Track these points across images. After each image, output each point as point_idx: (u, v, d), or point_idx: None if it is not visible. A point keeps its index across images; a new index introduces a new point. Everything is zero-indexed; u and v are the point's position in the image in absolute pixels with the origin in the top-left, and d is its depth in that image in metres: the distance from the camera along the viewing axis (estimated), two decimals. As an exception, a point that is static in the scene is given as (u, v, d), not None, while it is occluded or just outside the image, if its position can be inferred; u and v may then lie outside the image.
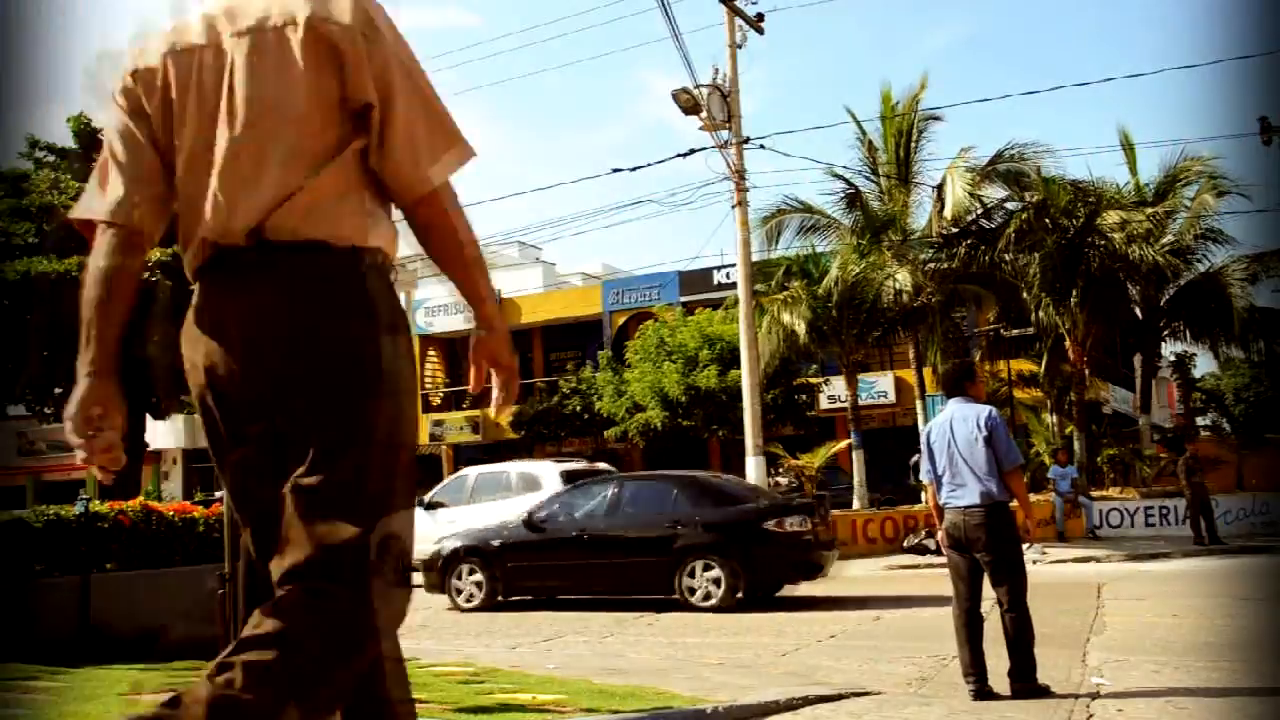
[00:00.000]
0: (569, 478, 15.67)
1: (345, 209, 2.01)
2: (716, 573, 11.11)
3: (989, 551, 6.01)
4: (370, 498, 1.91)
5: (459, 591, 12.28)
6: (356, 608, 1.86)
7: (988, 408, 6.27)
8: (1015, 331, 22.73)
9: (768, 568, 11.30)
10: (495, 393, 2.15)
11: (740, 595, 11.09)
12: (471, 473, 17.86)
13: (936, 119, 21.76)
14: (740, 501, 11.96)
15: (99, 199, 2.04)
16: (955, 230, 21.90)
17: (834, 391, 26.27)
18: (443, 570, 12.41)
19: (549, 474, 16.28)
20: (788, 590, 11.86)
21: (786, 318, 20.55)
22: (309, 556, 1.85)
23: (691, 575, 11.19)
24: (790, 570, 11.52)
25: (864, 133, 22.13)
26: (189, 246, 2.04)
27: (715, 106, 17.69)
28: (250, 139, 1.95)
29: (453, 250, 2.14)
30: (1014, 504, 6.15)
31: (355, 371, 1.94)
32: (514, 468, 17.35)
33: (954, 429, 6.19)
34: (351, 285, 2.01)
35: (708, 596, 11.08)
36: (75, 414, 1.95)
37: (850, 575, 14.92)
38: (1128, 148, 23.21)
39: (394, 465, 1.96)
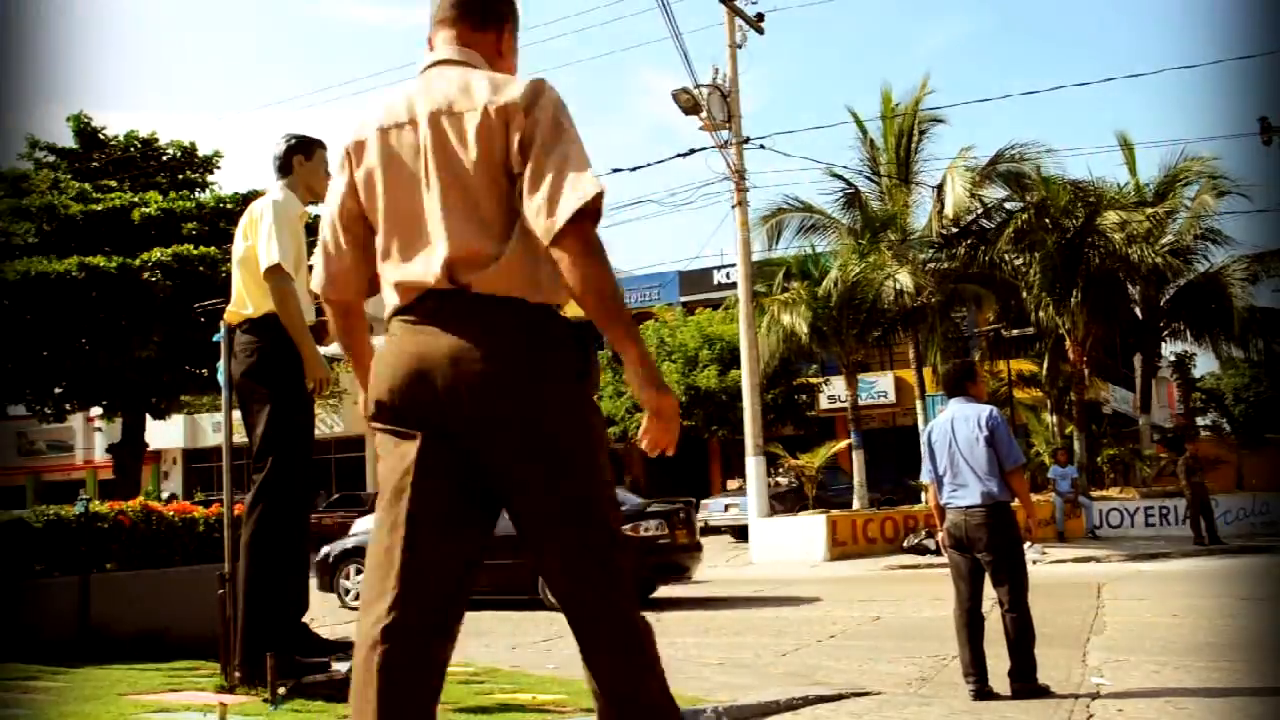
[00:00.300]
0: None
1: (542, 273, 2.24)
2: None
3: (990, 551, 6.01)
4: (608, 510, 2.31)
5: (346, 591, 12.57)
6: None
7: (989, 407, 6.26)
8: (1015, 331, 22.73)
9: None
10: (642, 432, 2.32)
11: None
12: None
13: (939, 120, 21.77)
14: None
15: (317, 275, 2.48)
16: (955, 230, 21.91)
17: (834, 391, 26.28)
18: (331, 570, 12.82)
19: None
20: (788, 591, 11.87)
21: (787, 318, 20.55)
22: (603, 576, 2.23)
23: None
24: (645, 572, 12.12)
25: (865, 133, 22.14)
26: (389, 291, 2.34)
27: (715, 106, 17.70)
28: (447, 203, 2.24)
29: (578, 295, 2.21)
30: (1015, 504, 6.15)
31: (584, 409, 2.26)
32: None
33: (955, 429, 6.19)
34: (555, 332, 2.28)
35: None
36: (366, 414, 2.36)
37: (850, 575, 14.92)
38: (1127, 148, 23.22)
39: (609, 479, 2.33)
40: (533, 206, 2.16)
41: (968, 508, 6.07)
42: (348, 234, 2.43)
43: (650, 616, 2.48)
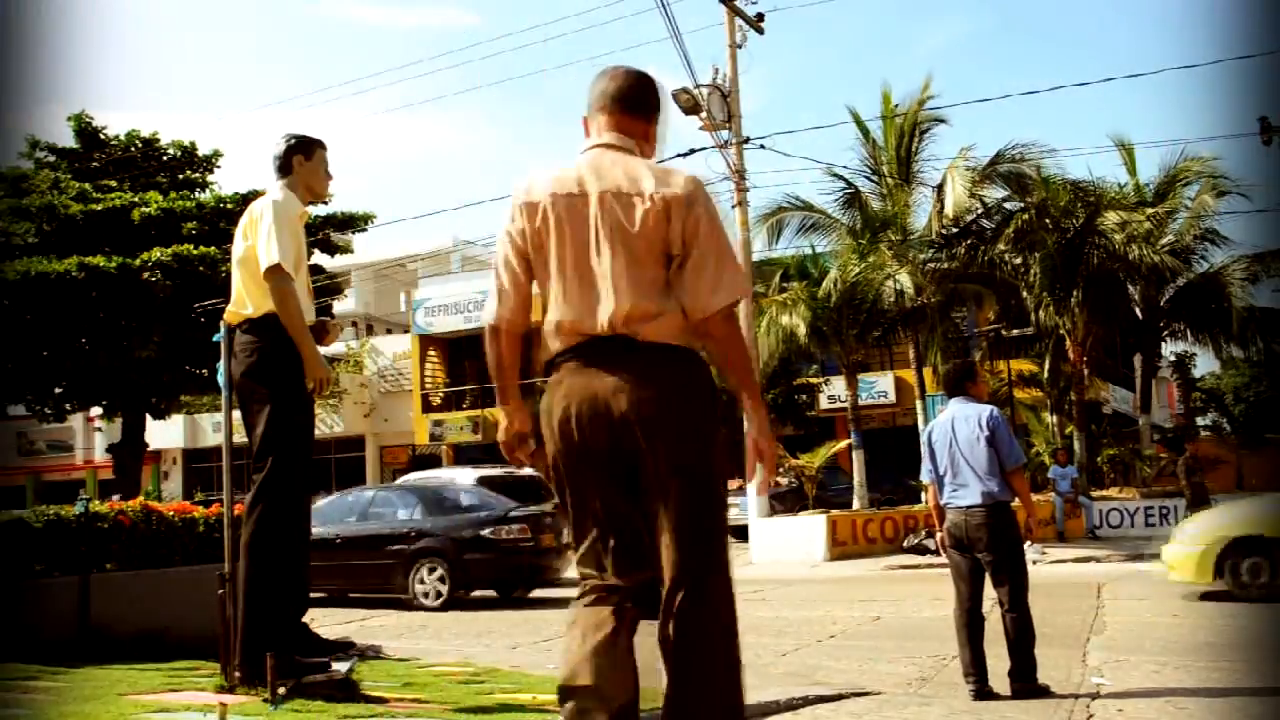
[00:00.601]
0: (484, 484, 16.54)
1: (681, 322, 2.80)
2: (440, 574, 12.51)
3: (990, 551, 6.01)
4: (720, 504, 2.84)
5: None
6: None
7: (989, 407, 6.26)
8: (1015, 331, 22.73)
9: (482, 570, 12.65)
10: (757, 474, 3.04)
11: (460, 594, 12.58)
12: (411, 478, 18.83)
13: (941, 120, 21.76)
14: (468, 511, 13.19)
15: (492, 308, 2.97)
16: (955, 230, 21.91)
17: (834, 391, 26.28)
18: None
19: (467, 480, 17.11)
20: (788, 591, 11.87)
21: (785, 319, 20.54)
22: (692, 552, 2.76)
23: (421, 579, 12.56)
24: (507, 573, 12.89)
25: (866, 133, 22.13)
26: (557, 334, 2.86)
27: (715, 106, 17.70)
28: (615, 268, 2.77)
29: (719, 360, 2.88)
30: (1016, 504, 6.14)
31: (704, 421, 2.80)
32: (441, 474, 18.73)
33: (955, 429, 6.19)
34: (691, 370, 2.84)
35: (436, 595, 12.46)
36: (507, 437, 2.99)
37: (850, 575, 14.92)
38: (1125, 149, 23.22)
39: (723, 481, 2.87)
40: (693, 289, 2.77)
41: (968, 507, 6.06)
42: (520, 278, 2.92)
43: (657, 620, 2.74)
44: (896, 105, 22.07)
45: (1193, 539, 10.77)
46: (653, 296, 2.77)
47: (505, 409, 2.99)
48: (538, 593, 13.56)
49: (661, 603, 2.85)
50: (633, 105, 3.04)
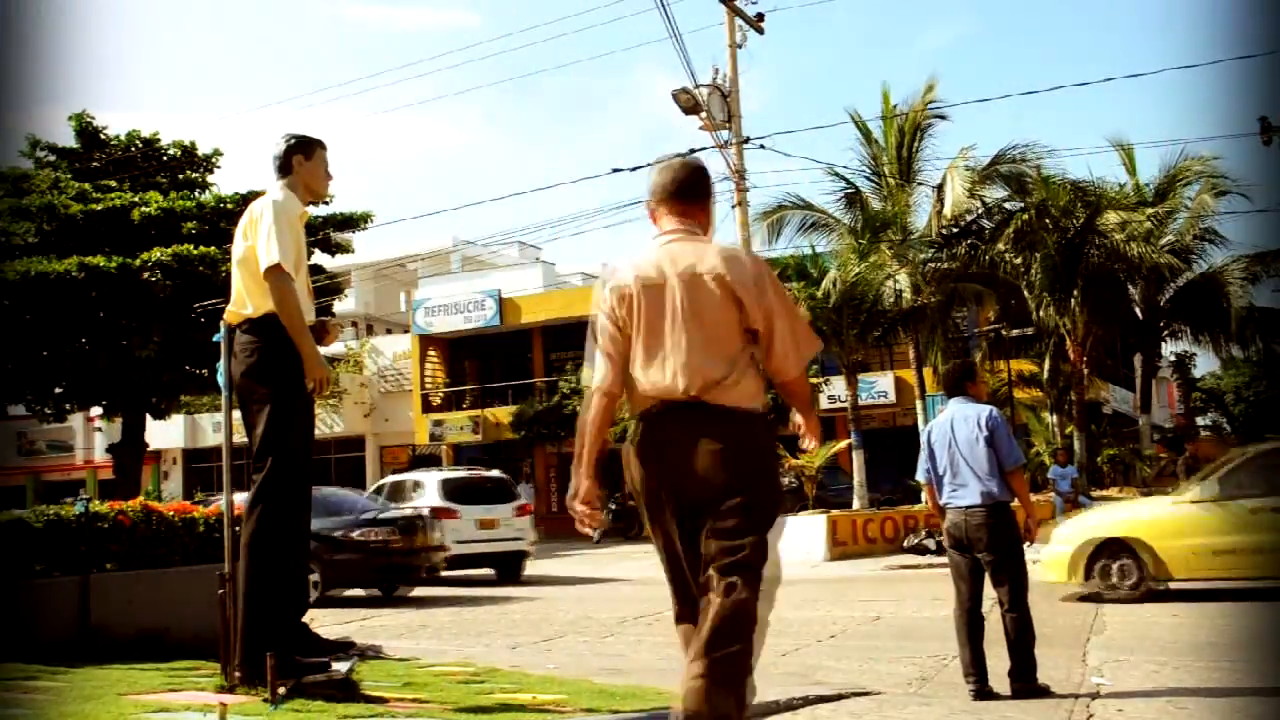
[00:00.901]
0: (446, 485, 17.26)
1: (748, 388, 3.31)
2: (314, 576, 12.64)
3: (990, 551, 6.01)
4: (764, 550, 3.27)
5: None
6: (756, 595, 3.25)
7: (989, 408, 6.25)
8: (1015, 331, 22.72)
9: (350, 571, 13.18)
10: (806, 439, 3.71)
11: (333, 593, 13.18)
12: (388, 480, 19.11)
13: (942, 117, 21.74)
14: (342, 513, 13.53)
15: (595, 374, 3.43)
16: (955, 230, 21.91)
17: (834, 391, 26.25)
18: None
19: (431, 481, 17.60)
20: (788, 591, 11.84)
21: None
22: (735, 564, 3.19)
23: None
24: (375, 573, 13.44)
25: (867, 133, 22.13)
26: (642, 397, 3.37)
27: (715, 106, 17.69)
28: (690, 341, 3.28)
29: (795, 403, 3.63)
30: (1016, 504, 6.14)
31: (767, 473, 3.36)
32: (413, 476, 18.81)
33: (955, 429, 6.19)
34: (758, 430, 3.34)
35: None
36: (576, 503, 3.36)
37: (850, 575, 14.92)
38: (1125, 150, 23.21)
39: (777, 516, 3.38)
40: (779, 359, 3.35)
41: (968, 507, 6.06)
42: (620, 351, 3.40)
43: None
44: (896, 106, 22.06)
45: (1064, 540, 11.14)
46: (721, 367, 3.27)
47: (579, 473, 3.38)
48: (533, 590, 13.56)
49: (701, 609, 3.24)
50: (690, 194, 3.54)
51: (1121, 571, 10.70)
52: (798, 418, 3.67)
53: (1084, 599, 10.78)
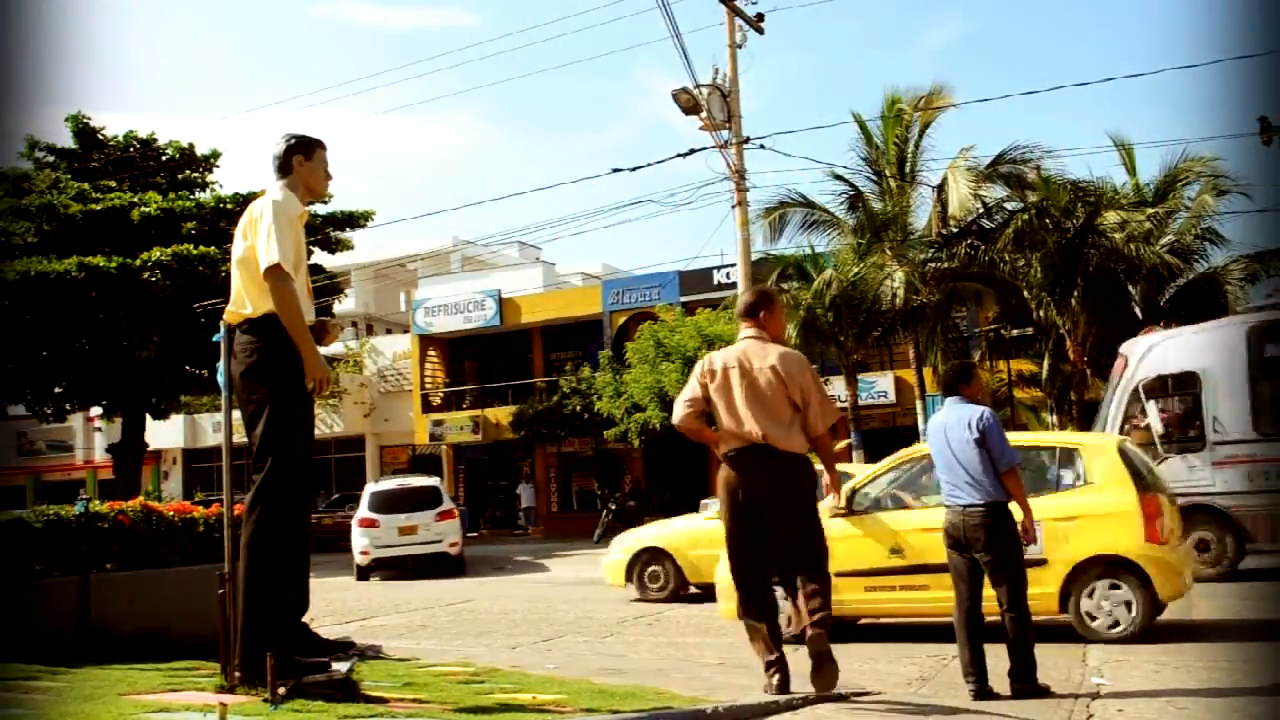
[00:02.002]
0: (374, 497, 19.78)
1: (797, 440, 5.33)
2: None
3: (988, 551, 6.00)
4: (820, 536, 5.48)
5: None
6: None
7: (981, 409, 6.21)
8: (1015, 331, 22.71)
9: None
10: (829, 497, 5.85)
11: None
12: (369, 488, 21.16)
13: (949, 106, 21.65)
14: None
15: (684, 398, 5.49)
16: (956, 230, 21.90)
17: (834, 391, 26.22)
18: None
19: (366, 493, 20.27)
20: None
21: None
22: (805, 560, 5.33)
23: None
24: None
25: (868, 134, 22.13)
26: (728, 442, 5.39)
27: (715, 106, 17.67)
28: (752, 408, 5.28)
29: (822, 455, 5.64)
30: (1013, 504, 6.13)
31: (810, 496, 5.34)
32: (371, 488, 20.90)
33: (949, 430, 6.19)
34: (805, 466, 5.38)
35: None
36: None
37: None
38: (1125, 149, 23.18)
39: (820, 523, 5.48)
40: (812, 423, 5.34)
41: (965, 507, 6.06)
42: (701, 405, 5.47)
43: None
44: (898, 102, 22.05)
45: (620, 549, 12.94)
46: (778, 425, 5.32)
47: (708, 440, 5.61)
48: (533, 591, 13.48)
49: (786, 583, 5.70)
50: (751, 312, 5.63)
51: (653, 576, 12.54)
52: (826, 477, 5.68)
53: (634, 601, 12.31)
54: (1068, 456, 8.43)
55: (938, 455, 6.25)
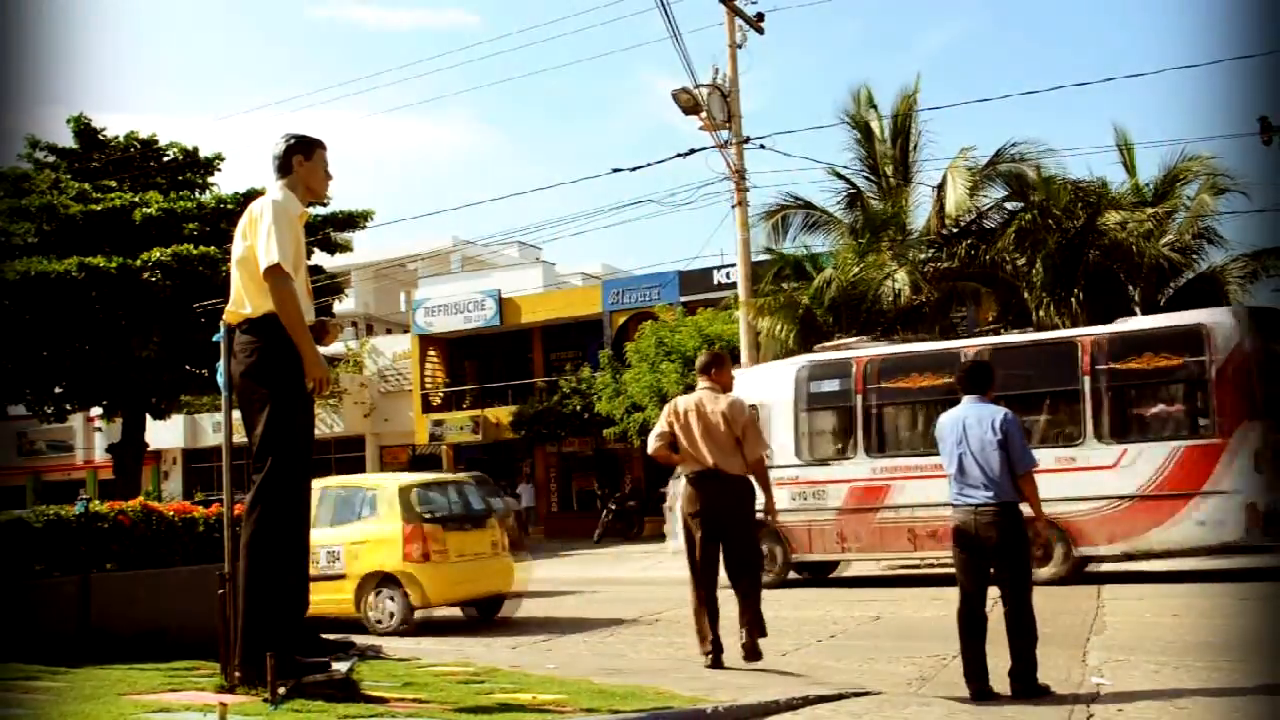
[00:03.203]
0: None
1: (738, 465, 6.86)
2: None
3: (999, 550, 5.98)
4: (757, 547, 7.59)
5: None
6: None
7: (1003, 410, 6.18)
8: (1015, 331, 22.67)
9: None
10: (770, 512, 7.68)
11: None
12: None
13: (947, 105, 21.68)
14: None
15: (658, 430, 7.08)
16: (955, 230, 21.89)
17: (834, 391, 26.21)
18: None
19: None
20: (788, 590, 11.82)
21: (766, 323, 20.46)
22: (745, 563, 7.03)
23: None
24: None
25: (862, 134, 22.14)
26: (689, 465, 6.96)
27: (715, 106, 17.68)
28: (706, 442, 6.82)
29: (759, 479, 7.10)
30: (1023, 506, 6.11)
31: (750, 509, 7.04)
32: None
33: (967, 429, 6.15)
34: (746, 485, 6.98)
35: None
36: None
37: (851, 575, 14.91)
38: (1125, 148, 23.16)
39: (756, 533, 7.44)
40: (749, 452, 6.91)
41: (978, 506, 6.03)
42: (669, 439, 6.91)
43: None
44: (875, 105, 22.15)
45: None
46: (724, 455, 6.76)
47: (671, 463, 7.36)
48: (532, 590, 13.50)
49: (736, 586, 6.87)
50: (706, 370, 7.16)
51: None
52: (763, 497, 7.11)
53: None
54: (368, 495, 11.09)
55: (951, 452, 6.19)
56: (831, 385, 14.12)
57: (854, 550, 13.63)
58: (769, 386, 14.26)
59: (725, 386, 7.03)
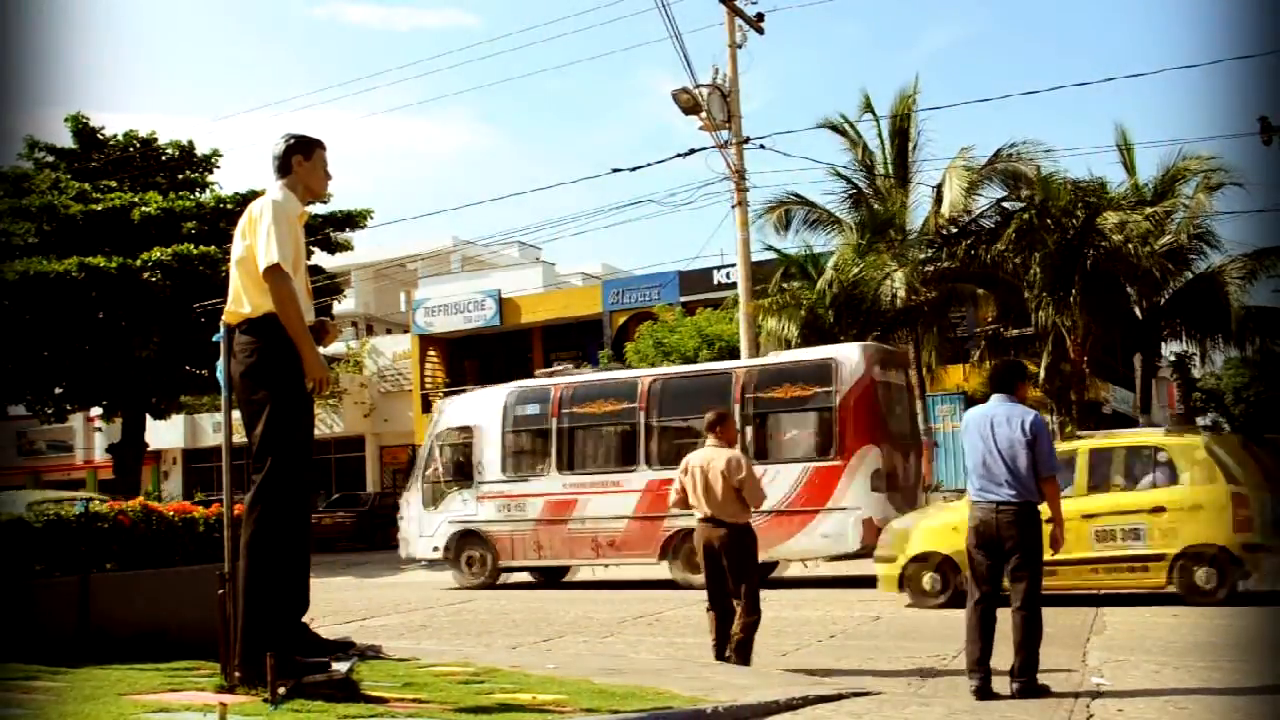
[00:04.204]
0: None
1: (732, 511, 7.31)
2: None
3: (1017, 549, 6.00)
4: (753, 574, 7.57)
5: None
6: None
7: (1033, 412, 6.19)
8: (1015, 331, 22.70)
9: None
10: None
11: None
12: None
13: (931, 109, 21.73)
14: None
15: (675, 490, 7.67)
16: (955, 230, 21.90)
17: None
18: None
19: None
20: (788, 591, 11.82)
21: (772, 323, 20.47)
22: (744, 588, 7.39)
23: None
24: None
25: (852, 141, 22.19)
26: (700, 511, 7.41)
27: (715, 106, 17.67)
28: (709, 495, 7.30)
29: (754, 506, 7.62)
30: (1042, 508, 6.11)
31: (746, 548, 7.43)
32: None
33: (994, 427, 6.13)
34: (743, 530, 7.40)
35: None
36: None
37: (851, 574, 14.91)
38: (1125, 148, 23.15)
39: (754, 565, 7.64)
40: (749, 500, 7.34)
41: (1000, 504, 6.03)
42: (683, 492, 7.49)
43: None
44: (873, 108, 22.21)
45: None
46: (722, 506, 7.25)
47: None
48: (533, 590, 13.48)
49: (735, 609, 7.34)
50: (711, 427, 7.55)
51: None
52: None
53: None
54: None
55: (975, 448, 6.17)
56: (533, 409, 15.58)
57: (549, 557, 15.19)
58: (482, 410, 15.97)
59: (729, 441, 7.55)
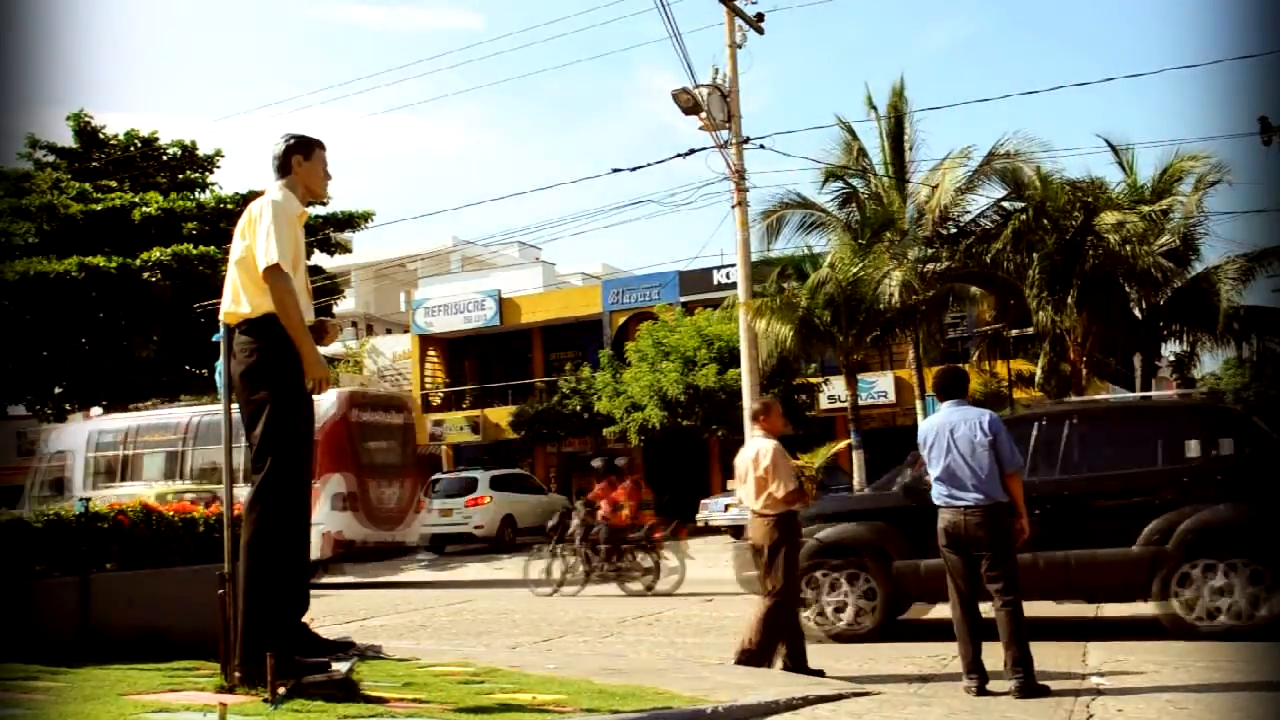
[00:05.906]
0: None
1: (774, 503, 7.05)
2: None
3: (988, 549, 6.08)
4: (786, 564, 7.29)
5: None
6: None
7: (988, 412, 6.32)
8: (1015, 331, 22.69)
9: None
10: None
11: None
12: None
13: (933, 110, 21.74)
14: None
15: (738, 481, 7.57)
16: (955, 230, 21.89)
17: (834, 391, 26.25)
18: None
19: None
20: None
21: (768, 323, 20.45)
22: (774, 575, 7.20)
23: None
24: None
25: (854, 135, 22.21)
26: (746, 501, 7.37)
27: (715, 106, 17.65)
28: (746, 488, 7.23)
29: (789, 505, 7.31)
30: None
31: (777, 540, 7.18)
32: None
33: (954, 432, 6.20)
34: (773, 519, 7.15)
35: None
36: None
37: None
38: (1121, 150, 23.14)
39: (782, 555, 7.33)
40: (774, 492, 7.02)
41: (966, 508, 6.10)
42: (742, 473, 7.31)
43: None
44: (875, 106, 22.20)
45: None
46: (754, 497, 7.09)
47: None
48: (532, 590, 13.51)
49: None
50: (755, 417, 7.55)
51: None
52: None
53: None
54: None
55: (939, 456, 6.25)
56: (110, 439, 20.10)
57: None
58: (71, 439, 20.58)
59: (773, 430, 7.19)
